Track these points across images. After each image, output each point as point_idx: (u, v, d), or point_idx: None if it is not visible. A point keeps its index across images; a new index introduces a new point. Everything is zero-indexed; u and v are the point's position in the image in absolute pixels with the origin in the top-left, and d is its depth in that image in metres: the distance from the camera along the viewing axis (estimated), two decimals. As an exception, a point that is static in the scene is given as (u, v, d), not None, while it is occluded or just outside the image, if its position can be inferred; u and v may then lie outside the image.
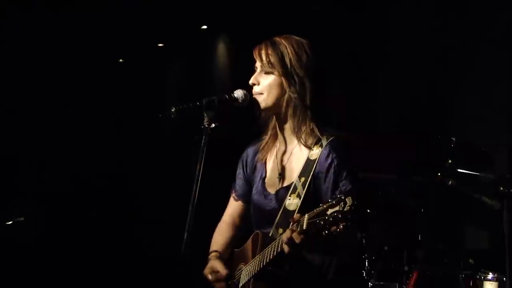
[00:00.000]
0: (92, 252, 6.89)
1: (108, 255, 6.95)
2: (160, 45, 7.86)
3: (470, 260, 4.50)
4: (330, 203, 2.51)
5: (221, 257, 3.17)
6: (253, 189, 3.13)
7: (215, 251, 3.19)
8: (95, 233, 6.99)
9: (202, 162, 2.74)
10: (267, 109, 2.99)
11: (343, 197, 2.48)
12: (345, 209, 2.45)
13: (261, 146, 3.14)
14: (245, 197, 3.22)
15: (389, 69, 6.03)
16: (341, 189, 2.79)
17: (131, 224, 7.10)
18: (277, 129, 3.06)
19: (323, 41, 3.17)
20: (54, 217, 6.84)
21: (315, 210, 2.55)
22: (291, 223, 2.64)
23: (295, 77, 2.93)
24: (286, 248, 2.64)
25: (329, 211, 2.49)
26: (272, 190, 3.04)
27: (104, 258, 6.92)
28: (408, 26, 5.84)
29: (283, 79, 2.94)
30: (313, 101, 2.94)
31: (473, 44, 5.40)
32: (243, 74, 3.13)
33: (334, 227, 2.47)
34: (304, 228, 2.56)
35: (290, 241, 2.61)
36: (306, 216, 2.58)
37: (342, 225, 2.46)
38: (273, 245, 2.80)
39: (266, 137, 3.14)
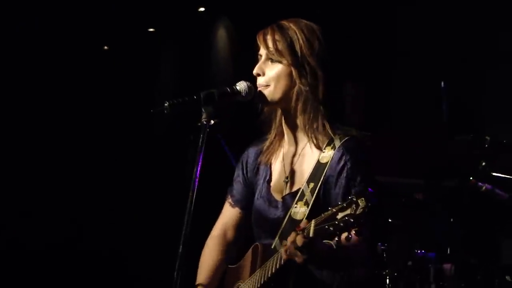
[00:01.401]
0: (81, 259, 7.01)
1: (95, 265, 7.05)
2: (151, 30, 7.87)
3: (506, 277, 4.49)
4: (340, 206, 2.49)
5: None
6: (256, 194, 3.12)
7: (200, 284, 3.19)
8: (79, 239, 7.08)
9: (200, 165, 2.75)
10: (274, 103, 2.98)
11: (354, 199, 2.46)
12: (357, 212, 2.43)
13: (265, 147, 3.14)
14: (243, 203, 3.21)
15: (410, 62, 6.09)
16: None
17: (118, 239, 7.16)
18: (284, 126, 3.06)
19: (337, 28, 3.20)
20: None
21: (322, 215, 2.54)
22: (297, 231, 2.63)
23: (306, 67, 2.93)
24: (289, 253, 2.64)
25: (339, 215, 2.48)
26: (278, 196, 3.03)
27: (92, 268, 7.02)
28: (426, 20, 5.93)
29: (292, 69, 2.94)
30: (326, 94, 2.93)
31: (497, 36, 5.48)
32: (246, 63, 3.14)
33: (346, 234, 2.46)
34: (310, 235, 2.55)
35: (294, 245, 2.60)
36: (313, 222, 2.56)
37: (355, 231, 2.45)
38: (275, 257, 2.78)
39: (271, 136, 3.13)
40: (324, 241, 2.61)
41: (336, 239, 2.50)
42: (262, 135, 3.18)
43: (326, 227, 2.51)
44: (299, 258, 2.63)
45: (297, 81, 2.94)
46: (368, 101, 5.95)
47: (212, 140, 2.82)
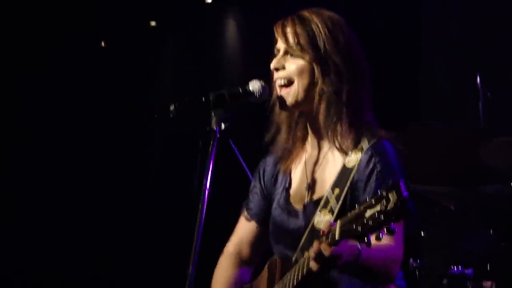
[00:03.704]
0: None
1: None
2: (153, 23, 7.88)
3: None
4: (368, 203, 2.44)
5: None
6: (274, 204, 3.11)
7: None
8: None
9: (210, 175, 2.76)
10: (297, 105, 2.97)
11: (384, 193, 2.39)
12: (388, 208, 2.36)
13: (287, 151, 3.11)
14: (260, 217, 3.20)
15: (440, 51, 6.11)
16: None
17: (120, 257, 7.15)
18: (309, 129, 3.05)
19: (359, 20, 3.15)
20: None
21: (348, 214, 2.51)
22: (321, 236, 2.60)
23: (330, 64, 2.92)
24: (314, 265, 2.60)
25: (368, 213, 2.42)
26: (298, 205, 3.02)
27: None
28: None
29: (314, 66, 2.92)
30: (351, 95, 2.92)
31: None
32: (259, 59, 3.14)
33: (377, 233, 2.42)
34: (336, 238, 2.52)
35: (319, 255, 2.57)
36: (339, 222, 2.53)
37: (386, 228, 2.38)
38: (297, 268, 2.79)
39: (288, 142, 3.10)
40: (351, 245, 2.57)
41: (366, 240, 2.45)
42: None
43: (354, 227, 2.46)
44: (325, 268, 2.60)
45: (320, 80, 2.92)
46: (394, 95, 5.94)
47: (223, 147, 2.81)
